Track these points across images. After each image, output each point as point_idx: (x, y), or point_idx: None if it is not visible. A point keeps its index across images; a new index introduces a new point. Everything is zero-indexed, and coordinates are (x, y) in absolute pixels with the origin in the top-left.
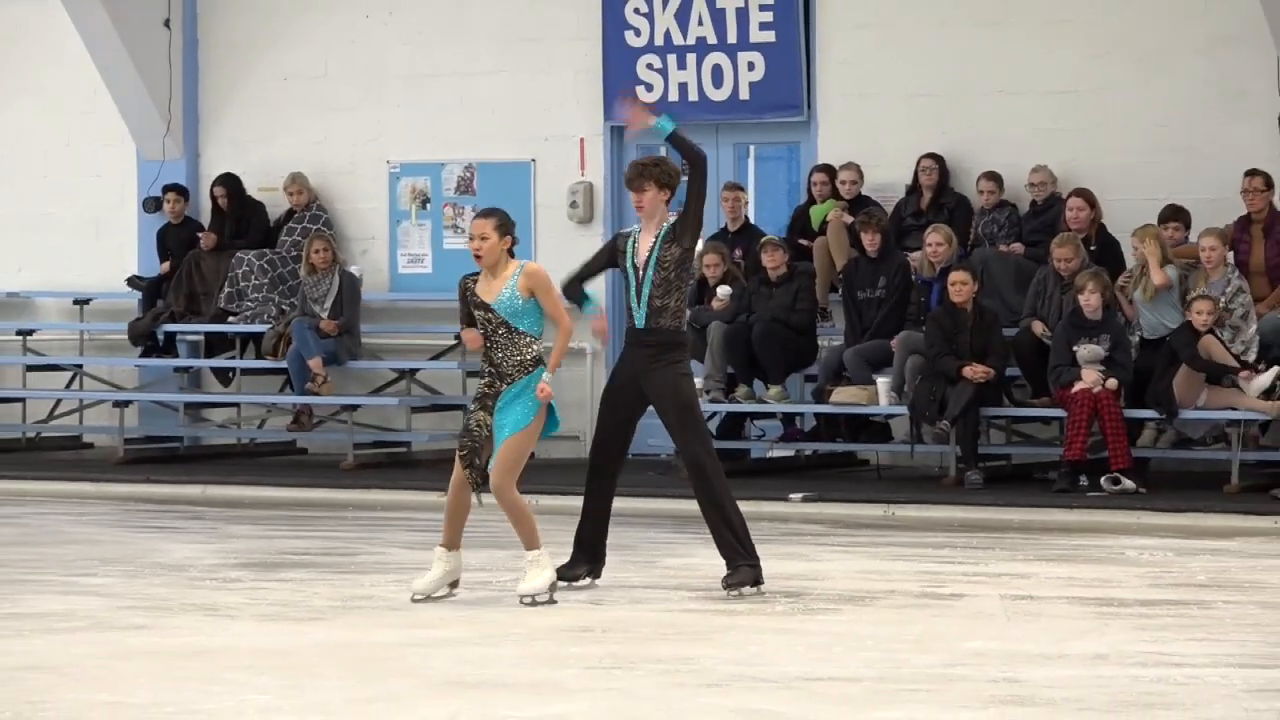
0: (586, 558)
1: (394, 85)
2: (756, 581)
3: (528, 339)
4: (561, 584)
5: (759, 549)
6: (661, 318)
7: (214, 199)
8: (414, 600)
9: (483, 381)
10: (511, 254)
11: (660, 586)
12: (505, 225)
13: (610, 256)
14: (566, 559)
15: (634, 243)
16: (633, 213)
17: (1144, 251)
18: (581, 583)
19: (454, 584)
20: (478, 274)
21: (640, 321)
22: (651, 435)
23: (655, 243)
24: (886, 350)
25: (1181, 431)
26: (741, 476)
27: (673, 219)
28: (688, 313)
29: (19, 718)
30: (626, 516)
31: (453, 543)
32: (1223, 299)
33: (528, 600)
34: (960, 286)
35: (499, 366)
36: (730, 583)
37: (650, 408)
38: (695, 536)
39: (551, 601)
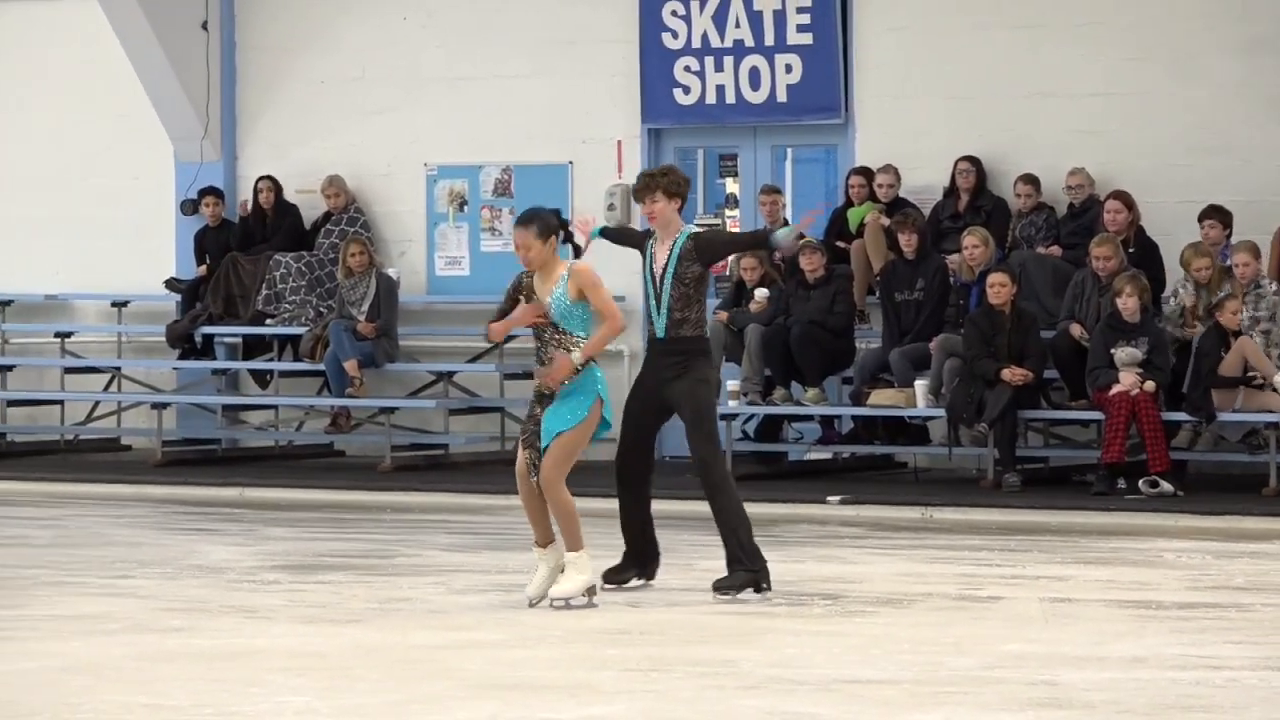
0: (634, 561)
1: (431, 88)
2: (756, 587)
3: (577, 340)
4: (609, 586)
5: (797, 551)
6: (683, 328)
7: (256, 193)
8: (530, 605)
9: (530, 407)
10: (576, 249)
11: (697, 589)
12: (546, 227)
13: (637, 242)
14: (615, 561)
15: (652, 250)
16: None
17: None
18: (632, 584)
19: (590, 590)
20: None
21: (661, 331)
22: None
23: (671, 256)
24: (924, 353)
25: (1220, 434)
26: (779, 479)
27: (692, 230)
28: (710, 320)
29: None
30: (663, 519)
31: (545, 538)
32: (1252, 306)
33: (560, 604)
34: (999, 289)
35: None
36: (721, 585)
37: (674, 416)
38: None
39: (591, 605)
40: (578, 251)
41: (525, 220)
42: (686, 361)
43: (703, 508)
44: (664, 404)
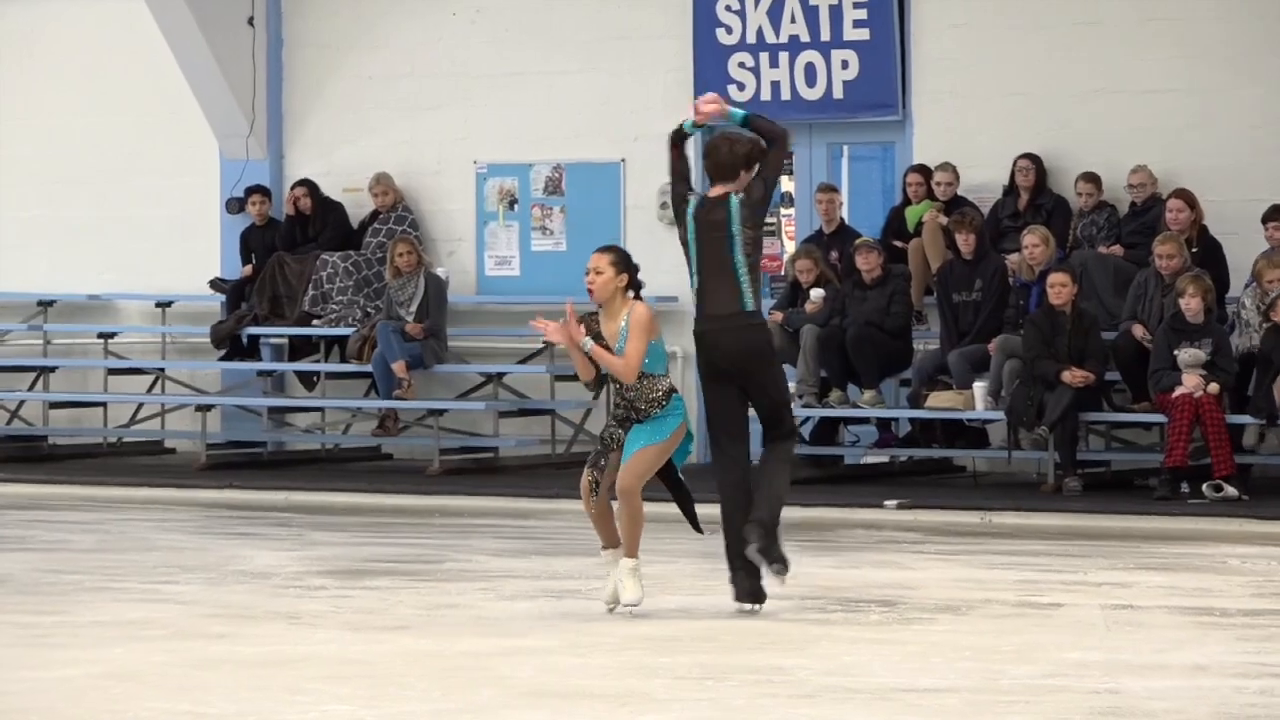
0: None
1: (481, 85)
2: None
3: (656, 378)
4: (750, 607)
5: (853, 557)
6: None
7: (294, 200)
8: (610, 612)
9: (619, 409)
10: (636, 294)
11: None
12: (623, 263)
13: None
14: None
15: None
16: None
17: None
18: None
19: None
20: (596, 315)
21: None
22: None
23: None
24: (983, 354)
25: None
26: (835, 483)
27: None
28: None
29: None
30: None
31: (611, 540)
32: None
33: (628, 609)
34: (1060, 289)
35: (633, 404)
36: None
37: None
38: (787, 543)
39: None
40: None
41: (607, 248)
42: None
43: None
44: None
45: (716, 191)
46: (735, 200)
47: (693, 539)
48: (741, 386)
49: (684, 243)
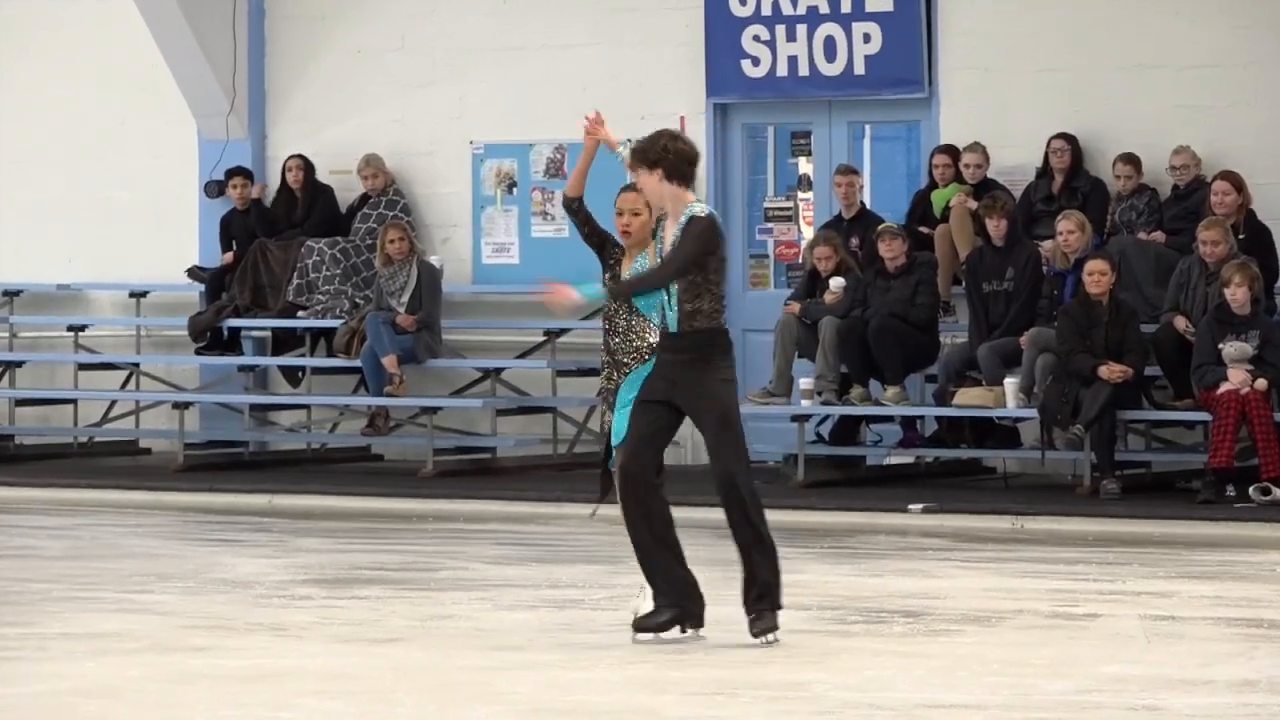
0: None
1: (477, 59)
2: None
3: (645, 324)
4: (643, 636)
5: (876, 564)
6: (696, 320)
7: (285, 172)
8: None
9: (602, 376)
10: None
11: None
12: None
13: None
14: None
15: (661, 233)
16: (737, 195)
17: None
18: (673, 633)
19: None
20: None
21: (673, 326)
22: (758, 441)
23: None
24: (1015, 348)
25: None
26: (856, 485)
27: (697, 211)
28: (725, 311)
29: None
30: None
31: None
32: None
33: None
34: (1098, 277)
35: (614, 354)
36: (759, 629)
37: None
38: (805, 551)
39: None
40: None
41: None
42: (702, 358)
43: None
44: (677, 409)
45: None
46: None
47: (702, 545)
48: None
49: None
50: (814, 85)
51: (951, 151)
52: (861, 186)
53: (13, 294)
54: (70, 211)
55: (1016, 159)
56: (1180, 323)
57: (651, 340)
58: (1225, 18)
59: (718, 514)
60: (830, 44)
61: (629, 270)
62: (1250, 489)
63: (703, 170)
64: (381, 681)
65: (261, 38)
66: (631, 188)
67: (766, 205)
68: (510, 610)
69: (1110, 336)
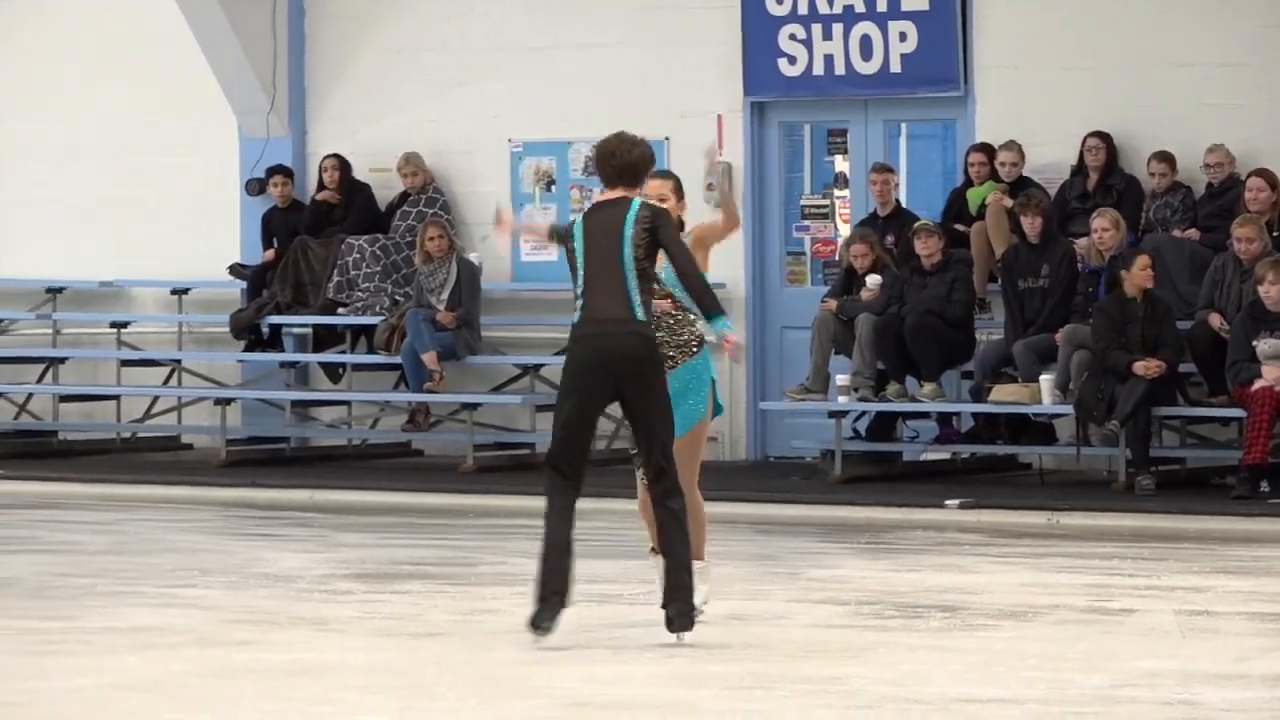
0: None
1: (516, 58)
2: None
3: (689, 316)
4: (541, 629)
5: (912, 560)
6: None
7: (321, 171)
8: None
9: None
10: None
11: (805, 600)
12: (682, 189)
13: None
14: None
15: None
16: (774, 193)
17: None
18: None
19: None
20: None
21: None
22: (795, 437)
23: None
24: (1050, 344)
25: None
26: (892, 481)
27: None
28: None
29: None
30: (769, 524)
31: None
32: None
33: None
34: (1149, 273)
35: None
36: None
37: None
38: (842, 546)
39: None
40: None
41: (665, 174)
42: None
43: (810, 512)
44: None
45: (612, 195)
46: (636, 203)
47: (745, 541)
48: (618, 397)
49: (570, 253)
50: (850, 84)
51: (987, 150)
52: (897, 184)
53: (56, 291)
54: (113, 210)
55: (1051, 157)
56: (1215, 320)
57: (695, 333)
58: (1258, 16)
59: (753, 509)
60: (866, 43)
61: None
62: None
63: (741, 166)
64: (422, 676)
65: (302, 37)
66: (659, 174)
67: (803, 203)
68: None
69: (1147, 332)
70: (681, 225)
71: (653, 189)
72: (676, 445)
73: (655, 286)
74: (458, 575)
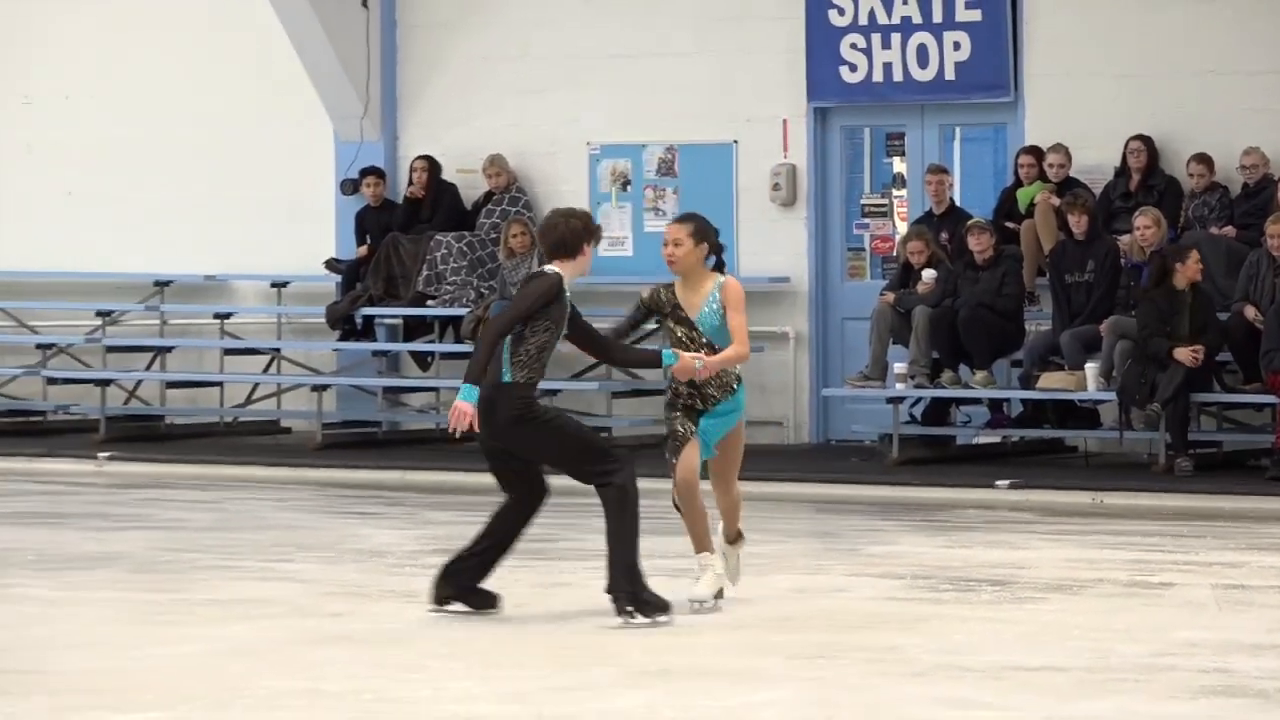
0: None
1: (594, 66)
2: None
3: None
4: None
5: (965, 537)
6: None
7: (411, 172)
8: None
9: (684, 391)
10: (720, 266)
11: (864, 574)
12: (702, 232)
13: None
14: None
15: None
16: (835, 193)
17: None
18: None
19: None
20: (669, 285)
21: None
22: (855, 422)
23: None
24: (1095, 335)
25: None
26: (947, 463)
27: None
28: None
29: (217, 704)
30: (830, 503)
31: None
32: None
33: (698, 606)
34: (1199, 267)
35: (701, 388)
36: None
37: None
38: (899, 524)
39: (716, 608)
40: (720, 268)
41: (684, 218)
42: None
43: (869, 491)
44: None
45: (552, 268)
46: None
47: (808, 519)
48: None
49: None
50: (907, 90)
51: (1036, 152)
52: (951, 185)
53: (163, 284)
54: (217, 208)
55: (1096, 159)
56: (1250, 312)
57: (735, 371)
58: None
59: (815, 489)
60: (923, 52)
61: (692, 304)
62: None
63: (803, 169)
64: (504, 644)
65: (393, 46)
66: (680, 219)
67: (863, 202)
68: None
69: (1194, 323)
70: (721, 266)
71: (670, 233)
72: (723, 449)
73: (683, 335)
74: (538, 550)
